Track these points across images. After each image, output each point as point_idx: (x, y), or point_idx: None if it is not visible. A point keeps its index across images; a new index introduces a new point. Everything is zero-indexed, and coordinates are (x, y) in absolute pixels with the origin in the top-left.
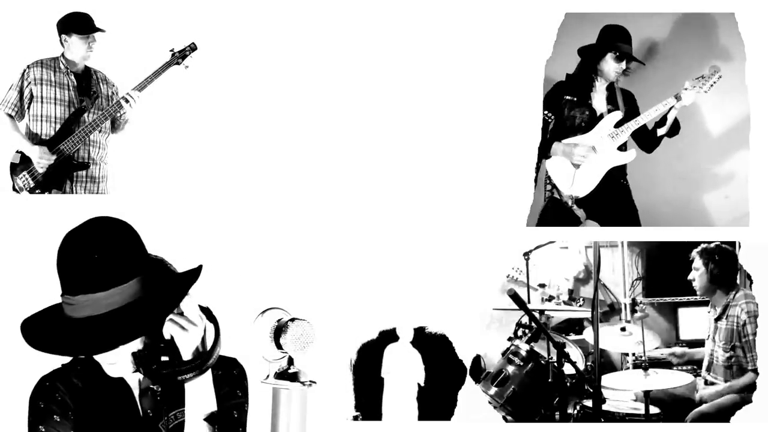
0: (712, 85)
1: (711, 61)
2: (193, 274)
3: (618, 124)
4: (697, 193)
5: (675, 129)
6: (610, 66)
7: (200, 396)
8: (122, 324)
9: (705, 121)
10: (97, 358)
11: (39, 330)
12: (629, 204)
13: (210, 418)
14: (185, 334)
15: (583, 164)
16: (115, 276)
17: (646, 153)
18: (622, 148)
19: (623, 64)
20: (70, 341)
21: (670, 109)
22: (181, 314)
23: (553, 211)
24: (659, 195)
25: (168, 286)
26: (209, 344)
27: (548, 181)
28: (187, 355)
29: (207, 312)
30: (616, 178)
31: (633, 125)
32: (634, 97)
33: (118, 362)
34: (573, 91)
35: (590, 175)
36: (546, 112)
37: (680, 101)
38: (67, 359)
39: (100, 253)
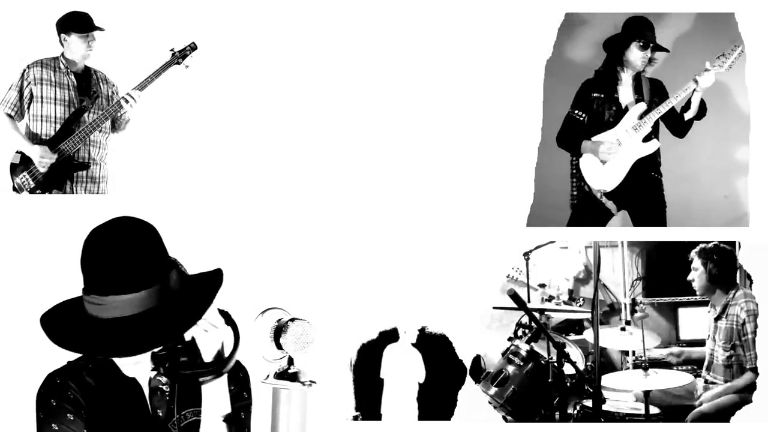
0: (732, 63)
1: (733, 41)
2: (218, 277)
3: (643, 116)
4: (697, 192)
5: (702, 111)
6: (636, 55)
7: (217, 397)
8: (159, 327)
9: (705, 121)
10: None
11: (64, 328)
12: (658, 198)
13: (228, 419)
14: (207, 337)
15: (609, 160)
16: (145, 278)
17: (678, 138)
18: (649, 138)
19: (648, 53)
20: (104, 342)
21: (693, 92)
22: (203, 317)
23: (584, 205)
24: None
25: (196, 289)
26: (228, 348)
27: (574, 178)
28: (208, 357)
29: (226, 316)
30: (646, 170)
31: (655, 115)
32: (662, 84)
33: (141, 362)
34: (600, 87)
35: (616, 168)
36: (577, 111)
37: (699, 84)
38: (74, 356)
39: (133, 254)
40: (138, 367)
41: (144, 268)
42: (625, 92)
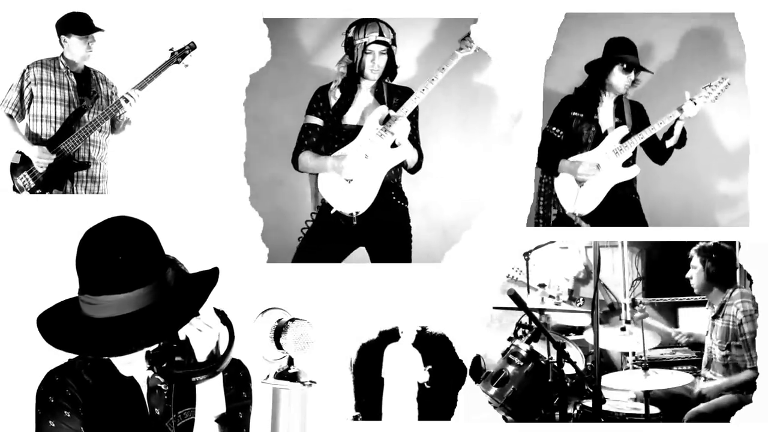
0: (719, 94)
1: (719, 71)
2: (213, 276)
3: (624, 139)
4: (698, 194)
5: (683, 140)
6: (619, 79)
7: (211, 397)
8: (148, 326)
9: (705, 121)
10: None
11: (58, 328)
12: (639, 219)
13: (221, 419)
14: (201, 336)
15: (587, 182)
16: (138, 277)
17: (659, 165)
18: (629, 163)
19: (632, 75)
20: (94, 342)
21: (676, 120)
22: (198, 316)
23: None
24: (661, 195)
25: (190, 288)
26: (223, 348)
27: (542, 197)
28: (201, 357)
29: (222, 315)
30: (626, 193)
31: (637, 140)
32: (643, 108)
33: (134, 361)
34: (579, 106)
35: (594, 192)
36: (554, 128)
37: (683, 113)
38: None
39: (125, 254)
40: (132, 367)
41: (136, 267)
42: (606, 115)
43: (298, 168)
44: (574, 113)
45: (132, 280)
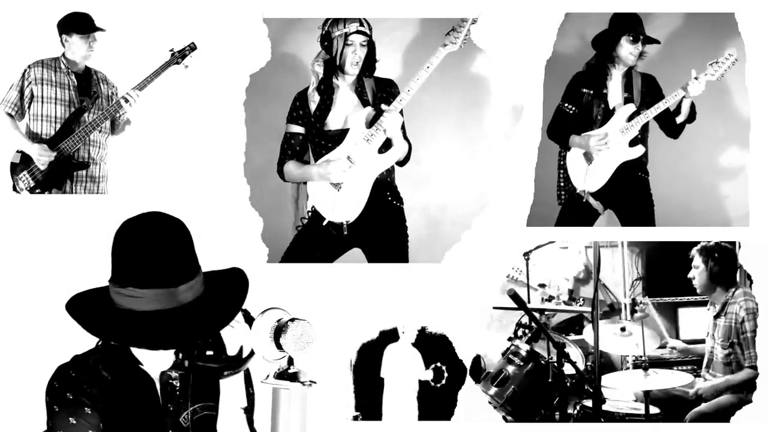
0: (725, 72)
1: (727, 44)
2: (244, 275)
3: (630, 118)
4: (698, 193)
5: (692, 115)
6: (627, 49)
7: (235, 390)
8: (200, 321)
9: (705, 121)
10: (145, 350)
11: (103, 320)
12: (646, 198)
13: (246, 410)
14: (232, 332)
15: (595, 159)
16: (187, 272)
17: (672, 139)
18: (636, 141)
19: (639, 46)
20: (152, 335)
21: (682, 99)
22: None
23: (572, 207)
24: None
25: (228, 286)
26: (248, 344)
27: (561, 169)
28: (232, 351)
29: (245, 314)
30: (633, 170)
31: (642, 119)
32: (655, 80)
33: (163, 356)
34: (589, 82)
35: (601, 170)
36: (567, 104)
37: (689, 92)
38: (80, 350)
39: (175, 248)
40: (160, 361)
41: (183, 263)
42: (615, 89)
43: (285, 178)
44: (585, 90)
45: (180, 274)
